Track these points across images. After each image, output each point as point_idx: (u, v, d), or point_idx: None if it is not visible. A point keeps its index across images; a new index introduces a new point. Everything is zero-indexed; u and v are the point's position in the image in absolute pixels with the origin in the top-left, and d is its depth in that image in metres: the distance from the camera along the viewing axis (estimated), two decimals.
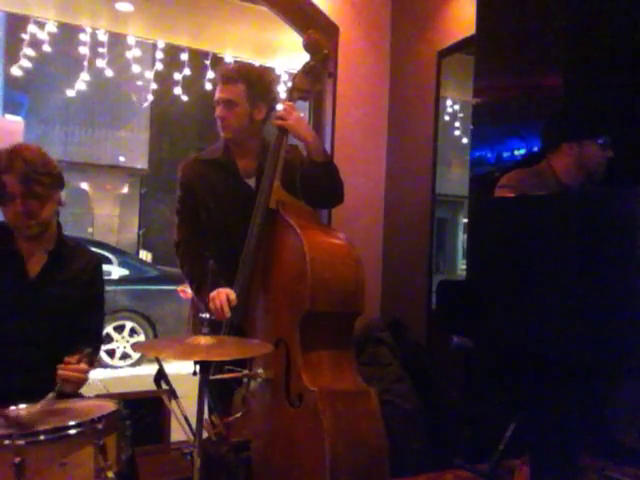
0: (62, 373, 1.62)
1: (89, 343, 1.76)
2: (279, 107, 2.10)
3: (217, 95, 2.07)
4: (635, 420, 1.53)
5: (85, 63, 5.33)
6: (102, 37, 4.93)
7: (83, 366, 1.66)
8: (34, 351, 1.74)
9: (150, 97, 6.50)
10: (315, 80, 2.02)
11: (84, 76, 5.61)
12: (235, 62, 4.57)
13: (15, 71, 5.36)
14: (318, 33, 2.00)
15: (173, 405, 1.49)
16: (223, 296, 1.85)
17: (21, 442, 1.21)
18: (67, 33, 5.22)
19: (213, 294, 1.87)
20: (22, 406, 1.45)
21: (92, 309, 1.90)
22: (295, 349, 1.73)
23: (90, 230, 13.94)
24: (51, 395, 1.51)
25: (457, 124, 3.97)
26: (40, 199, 1.72)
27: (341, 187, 2.07)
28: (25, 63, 5.29)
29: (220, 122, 2.07)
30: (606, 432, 1.57)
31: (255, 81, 2.07)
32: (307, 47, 1.98)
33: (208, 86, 5.20)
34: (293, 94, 2.02)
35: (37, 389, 1.55)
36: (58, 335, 1.78)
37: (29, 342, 1.74)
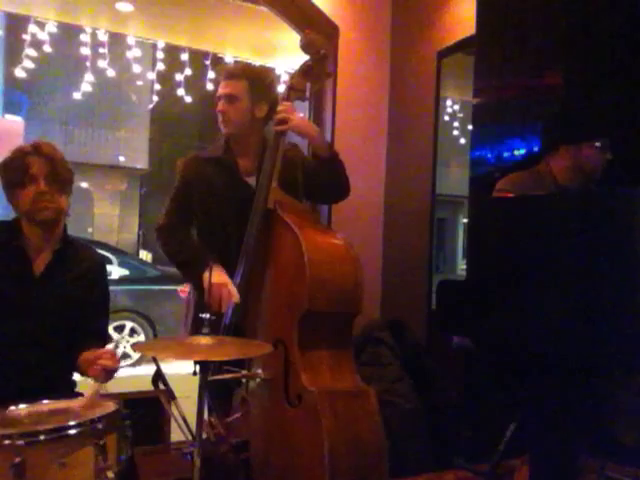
0: (103, 363, 1.63)
1: (94, 344, 1.76)
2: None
3: (220, 90, 2.08)
4: (635, 420, 1.53)
5: (88, 64, 5.33)
6: (102, 37, 4.93)
7: (117, 356, 1.69)
8: (37, 350, 1.74)
9: (155, 98, 6.47)
10: (313, 80, 2.02)
11: (88, 77, 5.59)
12: (236, 62, 4.58)
13: (19, 72, 5.35)
14: (315, 33, 1.99)
15: (171, 406, 1.49)
16: (225, 291, 1.86)
17: (21, 442, 1.20)
18: (67, 33, 5.22)
19: (218, 281, 1.86)
20: (22, 406, 1.45)
21: (97, 310, 1.90)
22: (294, 349, 1.73)
23: (90, 230, 13.95)
24: (95, 388, 1.53)
25: (456, 124, 3.97)
26: (62, 183, 1.75)
27: (347, 181, 2.08)
28: (28, 64, 5.28)
29: (221, 116, 2.07)
30: (606, 432, 1.58)
31: (258, 79, 2.07)
32: (304, 47, 1.98)
33: (209, 86, 5.20)
34: (290, 94, 2.02)
35: (39, 389, 1.55)
36: (61, 335, 1.78)
37: (32, 341, 1.74)
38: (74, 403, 1.47)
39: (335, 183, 2.07)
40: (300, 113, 2.12)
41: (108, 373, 1.65)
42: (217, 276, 1.87)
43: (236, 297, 1.89)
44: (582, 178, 1.88)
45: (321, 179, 2.04)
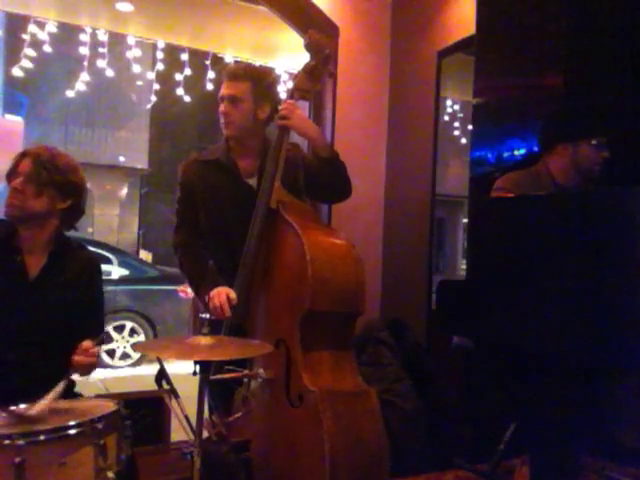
0: (77, 359, 1.65)
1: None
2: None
3: (222, 91, 2.07)
4: (635, 420, 1.53)
5: (85, 63, 5.33)
6: (102, 37, 4.93)
7: (93, 350, 1.70)
8: (34, 352, 1.74)
9: (153, 98, 6.47)
10: (316, 80, 2.02)
11: (84, 76, 5.59)
12: (236, 62, 4.59)
13: (17, 72, 5.35)
14: (319, 33, 1.99)
15: (174, 405, 1.49)
16: (223, 295, 1.86)
17: (21, 442, 1.20)
18: (67, 33, 5.22)
19: (213, 293, 1.87)
20: (22, 406, 1.45)
21: (93, 309, 1.90)
22: (295, 349, 1.73)
23: (90, 230, 13.93)
24: (62, 383, 1.52)
25: (456, 124, 3.97)
26: (41, 185, 1.74)
27: (348, 181, 2.08)
28: (26, 64, 5.28)
29: (224, 118, 2.06)
30: (606, 432, 1.57)
31: (261, 80, 2.07)
32: (308, 47, 1.98)
33: (209, 86, 5.21)
34: (294, 94, 2.02)
35: (37, 389, 1.55)
36: (57, 336, 1.78)
37: (28, 343, 1.74)
38: (34, 409, 1.41)
39: (336, 184, 2.07)
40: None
41: (84, 367, 1.67)
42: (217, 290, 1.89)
43: (234, 299, 1.88)
44: (580, 176, 1.88)
45: (322, 179, 2.04)
